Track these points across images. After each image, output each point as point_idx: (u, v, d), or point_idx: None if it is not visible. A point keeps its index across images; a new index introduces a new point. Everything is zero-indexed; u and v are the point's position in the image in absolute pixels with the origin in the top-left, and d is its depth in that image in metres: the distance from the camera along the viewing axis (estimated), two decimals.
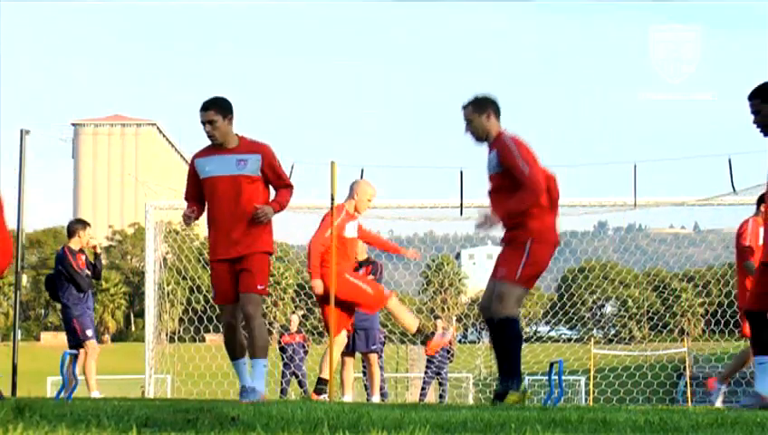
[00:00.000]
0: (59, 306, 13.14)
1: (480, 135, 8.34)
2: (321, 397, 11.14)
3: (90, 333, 12.75)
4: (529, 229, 8.20)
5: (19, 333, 15.64)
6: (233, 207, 8.35)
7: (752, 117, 8.10)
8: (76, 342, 12.72)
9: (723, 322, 27.69)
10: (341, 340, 11.35)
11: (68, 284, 12.70)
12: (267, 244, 8.45)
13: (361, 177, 18.42)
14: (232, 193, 8.31)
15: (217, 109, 8.33)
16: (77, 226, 13.08)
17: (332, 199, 10.74)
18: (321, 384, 11.29)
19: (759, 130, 8.13)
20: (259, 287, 8.35)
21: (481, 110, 8.31)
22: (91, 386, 12.95)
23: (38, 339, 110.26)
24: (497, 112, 8.37)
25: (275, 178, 8.48)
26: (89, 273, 12.87)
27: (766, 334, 7.98)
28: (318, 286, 10.93)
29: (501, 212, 8.12)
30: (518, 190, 8.04)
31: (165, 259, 21.95)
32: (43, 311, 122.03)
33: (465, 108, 8.39)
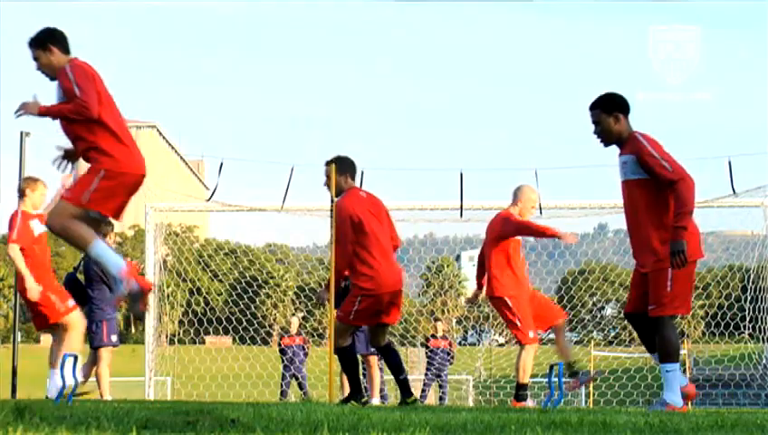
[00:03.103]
0: None
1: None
2: (524, 403, 10.74)
3: (114, 338, 12.78)
4: None
5: (19, 335, 15.63)
6: None
7: (593, 127, 8.06)
8: (98, 343, 12.69)
9: (723, 324, 27.67)
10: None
11: (102, 285, 12.68)
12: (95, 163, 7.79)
13: (362, 179, 18.42)
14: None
15: (34, 45, 7.95)
16: (106, 228, 13.13)
17: (332, 201, 10.73)
18: (522, 390, 10.97)
19: (599, 140, 8.10)
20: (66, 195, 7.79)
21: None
22: (105, 392, 12.89)
23: (38, 341, 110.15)
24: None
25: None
26: None
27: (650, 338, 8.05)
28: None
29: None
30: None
31: (165, 261, 21.94)
32: None
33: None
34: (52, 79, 7.94)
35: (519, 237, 11.26)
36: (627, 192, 8.00)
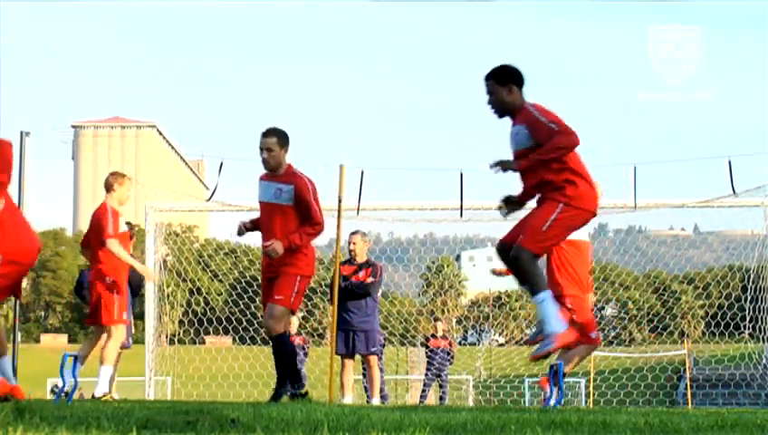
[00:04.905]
0: (59, 308, 13.10)
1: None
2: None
3: (131, 340, 12.80)
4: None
5: (19, 335, 15.64)
6: None
7: (486, 97, 8.03)
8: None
9: (723, 324, 27.70)
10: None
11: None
12: None
13: (361, 178, 18.43)
14: None
15: None
16: (131, 230, 13.17)
17: (339, 201, 10.69)
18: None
19: (492, 111, 8.06)
20: None
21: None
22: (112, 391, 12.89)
23: (38, 341, 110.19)
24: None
25: None
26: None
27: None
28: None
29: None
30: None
31: (165, 261, 21.94)
32: (42, 313, 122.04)
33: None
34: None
35: (587, 239, 11.01)
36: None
